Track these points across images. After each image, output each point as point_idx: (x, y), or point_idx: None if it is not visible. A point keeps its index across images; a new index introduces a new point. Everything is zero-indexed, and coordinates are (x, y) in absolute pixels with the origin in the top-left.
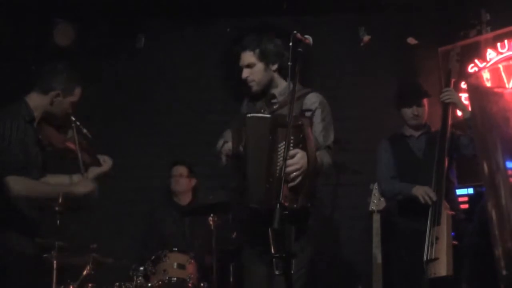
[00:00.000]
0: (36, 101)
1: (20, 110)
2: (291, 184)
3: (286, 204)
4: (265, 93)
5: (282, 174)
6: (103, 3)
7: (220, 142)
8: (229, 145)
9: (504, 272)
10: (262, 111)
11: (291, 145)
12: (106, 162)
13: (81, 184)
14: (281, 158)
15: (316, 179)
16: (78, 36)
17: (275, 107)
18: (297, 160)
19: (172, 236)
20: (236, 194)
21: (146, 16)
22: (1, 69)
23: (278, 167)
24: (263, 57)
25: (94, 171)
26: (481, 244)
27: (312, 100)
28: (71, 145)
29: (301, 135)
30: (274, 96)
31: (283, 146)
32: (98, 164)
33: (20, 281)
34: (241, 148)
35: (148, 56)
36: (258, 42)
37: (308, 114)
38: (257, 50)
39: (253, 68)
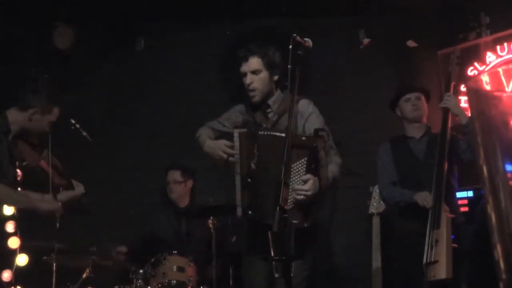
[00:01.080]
0: (14, 116)
1: None
2: (299, 205)
3: (286, 207)
4: (262, 103)
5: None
6: (102, 6)
7: (209, 142)
8: (227, 144)
9: (503, 276)
10: (263, 124)
11: (304, 167)
12: (79, 187)
13: (46, 201)
14: (293, 179)
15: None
16: (77, 39)
17: (274, 118)
18: (309, 186)
19: (168, 239)
20: (247, 210)
21: (146, 18)
22: (1, 71)
23: (290, 188)
24: (269, 66)
25: (66, 194)
26: (481, 246)
27: (305, 104)
28: (44, 165)
29: (314, 156)
30: (268, 106)
31: (297, 166)
32: (71, 187)
33: None
34: (252, 166)
35: (148, 58)
36: (266, 50)
37: (323, 133)
38: (265, 58)
39: (259, 75)
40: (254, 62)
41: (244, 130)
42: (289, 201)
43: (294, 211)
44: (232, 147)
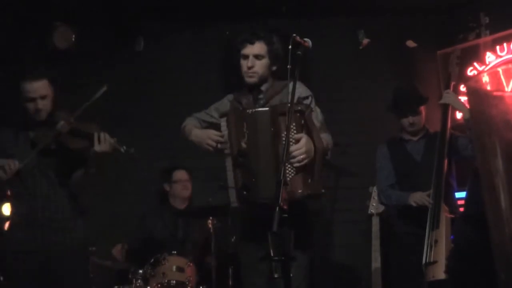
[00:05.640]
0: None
1: None
2: (299, 167)
3: (285, 207)
4: (252, 89)
5: (285, 159)
6: (102, 6)
7: (195, 131)
8: (215, 133)
9: (502, 275)
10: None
11: (294, 131)
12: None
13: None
14: (287, 147)
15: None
16: (77, 39)
17: (261, 102)
18: (303, 144)
19: (165, 241)
20: (242, 191)
21: (146, 19)
22: (1, 72)
23: (284, 156)
24: (271, 55)
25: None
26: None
27: (301, 88)
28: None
29: (302, 121)
30: (260, 92)
31: (286, 133)
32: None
33: None
34: (243, 145)
35: (147, 58)
36: (272, 38)
37: (306, 101)
38: (270, 46)
39: (261, 60)
40: (259, 47)
41: (232, 110)
42: (287, 170)
43: (296, 181)
44: (220, 136)
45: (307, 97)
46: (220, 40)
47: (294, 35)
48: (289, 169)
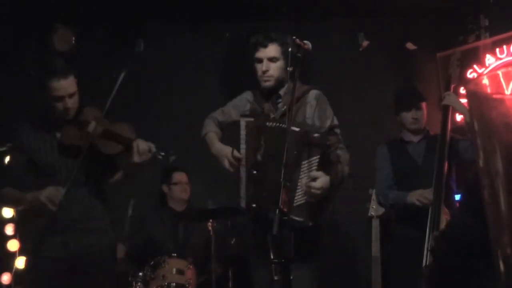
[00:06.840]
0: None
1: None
2: (310, 201)
3: (285, 209)
4: (273, 91)
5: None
6: (102, 8)
7: (217, 146)
8: (237, 154)
9: (502, 276)
10: (271, 114)
11: (316, 165)
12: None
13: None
14: (303, 176)
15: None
16: (77, 41)
17: (282, 109)
18: (320, 184)
19: (165, 243)
20: (251, 203)
21: (146, 20)
22: (1, 73)
23: (299, 185)
24: (286, 56)
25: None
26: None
27: (314, 96)
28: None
29: (326, 154)
30: (279, 96)
31: (309, 163)
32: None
33: None
34: (258, 157)
35: (147, 60)
36: (286, 39)
37: (337, 131)
38: (284, 47)
39: (276, 63)
40: (273, 49)
41: (251, 120)
42: (296, 197)
43: (300, 209)
44: (238, 156)
45: (336, 126)
46: (220, 42)
47: (294, 37)
48: (299, 196)
